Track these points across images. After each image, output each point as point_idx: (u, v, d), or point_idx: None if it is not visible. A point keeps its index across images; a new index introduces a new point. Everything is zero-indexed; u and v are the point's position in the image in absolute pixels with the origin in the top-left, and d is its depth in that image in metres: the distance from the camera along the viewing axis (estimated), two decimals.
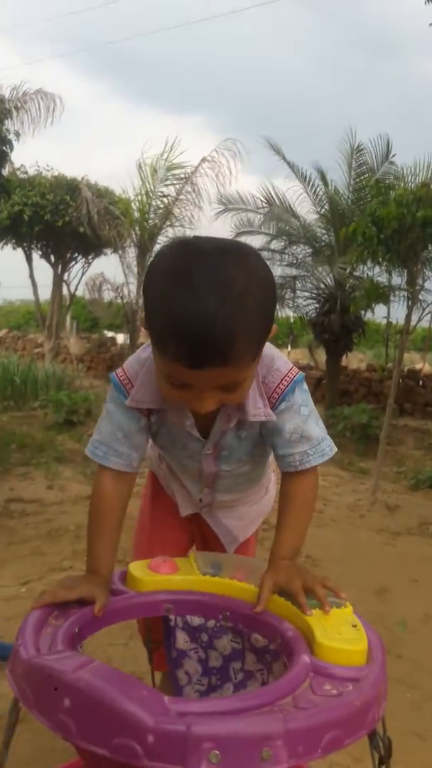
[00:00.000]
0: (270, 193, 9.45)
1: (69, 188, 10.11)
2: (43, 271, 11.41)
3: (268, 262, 1.03)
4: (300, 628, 1.05)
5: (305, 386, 1.13)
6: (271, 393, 1.09)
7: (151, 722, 0.74)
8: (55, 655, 0.87)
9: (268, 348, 1.09)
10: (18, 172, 10.07)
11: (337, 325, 8.40)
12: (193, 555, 1.27)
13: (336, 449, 1.17)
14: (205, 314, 0.84)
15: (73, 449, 5.26)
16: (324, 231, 9.43)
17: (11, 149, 5.88)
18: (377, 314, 9.51)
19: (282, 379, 1.09)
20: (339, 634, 1.00)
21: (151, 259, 8.50)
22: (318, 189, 9.30)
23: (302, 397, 1.12)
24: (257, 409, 1.09)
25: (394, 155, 8.62)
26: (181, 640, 1.20)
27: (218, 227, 9.75)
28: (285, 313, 10.07)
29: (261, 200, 9.38)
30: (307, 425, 1.11)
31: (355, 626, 1.05)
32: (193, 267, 0.87)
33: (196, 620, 1.19)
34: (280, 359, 1.11)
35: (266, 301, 0.95)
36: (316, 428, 1.13)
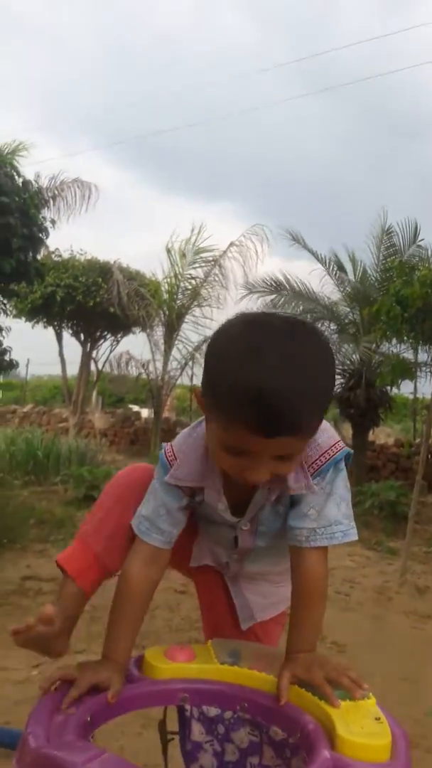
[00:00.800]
0: (281, 280, 9.67)
1: (101, 271, 10.53)
2: (72, 348, 11.76)
3: None
4: (321, 720, 1.01)
5: (342, 465, 1.11)
6: (308, 466, 1.08)
7: None
8: (65, 745, 0.85)
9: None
10: (53, 255, 10.57)
11: (362, 400, 8.38)
12: (211, 643, 1.24)
13: (353, 537, 1.11)
14: (284, 388, 0.88)
15: None
16: (348, 309, 9.60)
17: (47, 236, 6.23)
18: (404, 389, 9.49)
19: (321, 455, 1.09)
20: (361, 727, 0.97)
21: (177, 336, 8.69)
22: (341, 272, 9.56)
23: (332, 475, 1.10)
24: (298, 482, 1.08)
25: (422, 240, 8.83)
26: (197, 731, 1.15)
27: (245, 307, 10.02)
28: None
29: (273, 284, 9.61)
30: (327, 503, 1.09)
31: (378, 719, 1.01)
32: (266, 342, 0.92)
33: (212, 711, 1.15)
34: (325, 433, 1.10)
35: (329, 375, 1.00)
36: (334, 509, 1.09)
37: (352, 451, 1.14)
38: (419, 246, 8.76)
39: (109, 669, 1.07)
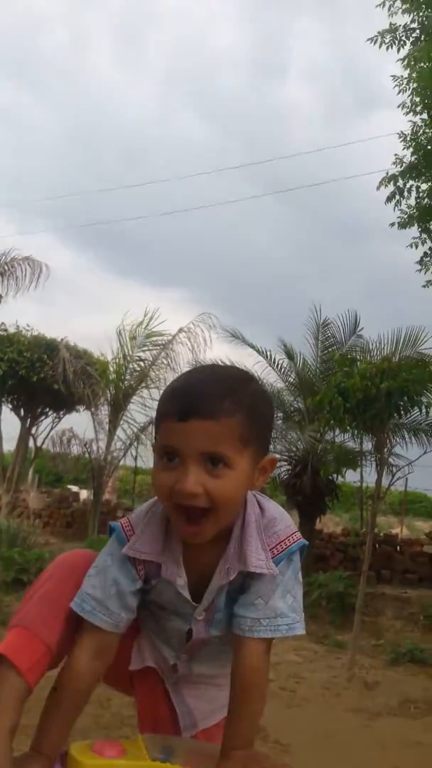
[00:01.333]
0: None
1: (47, 348, 10.47)
2: (10, 423, 11.38)
3: None
4: None
5: (296, 557, 1.09)
6: (280, 541, 1.07)
7: None
8: None
9: (273, 509, 1.11)
10: None
11: (309, 488, 8.36)
12: (142, 737, 1.09)
13: (299, 631, 1.07)
14: (198, 380, 1.05)
15: None
16: (293, 399, 9.78)
17: None
18: (351, 477, 9.60)
19: (277, 544, 1.07)
20: None
21: (122, 415, 8.64)
22: (283, 362, 9.87)
23: (284, 567, 1.07)
24: (259, 560, 1.04)
25: (361, 329, 9.25)
26: None
27: None
28: None
29: None
30: (274, 594, 1.05)
31: None
32: (198, 368, 1.22)
33: None
34: (281, 523, 1.09)
35: (262, 399, 1.08)
36: (280, 601, 1.05)
37: (306, 543, 1.12)
38: (359, 336, 9.14)
39: (37, 763, 0.98)
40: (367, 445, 8.10)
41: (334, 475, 8.49)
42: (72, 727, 1.06)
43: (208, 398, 0.97)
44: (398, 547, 9.31)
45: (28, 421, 11.15)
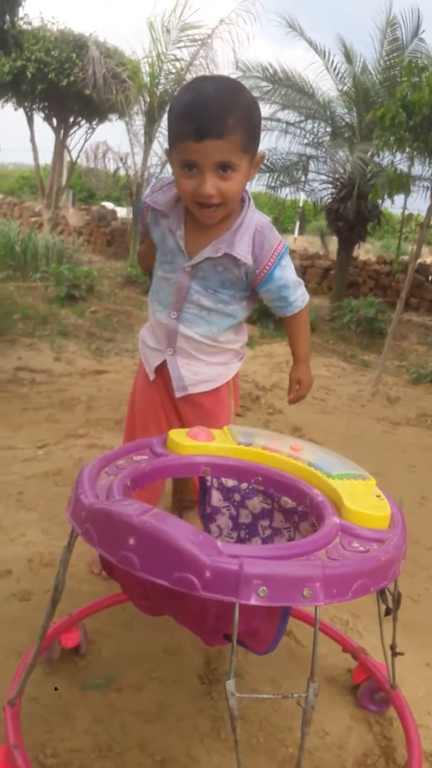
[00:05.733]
0: (276, 68, 8.73)
1: (76, 45, 9.35)
2: (43, 135, 10.75)
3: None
4: (328, 495, 1.14)
5: (285, 257, 1.47)
6: (272, 252, 1.42)
7: (209, 561, 0.84)
8: (116, 502, 0.96)
9: (265, 221, 1.44)
10: (21, 23, 9.26)
11: (352, 213, 8.12)
12: (228, 427, 1.34)
13: (307, 298, 1.57)
14: (207, 98, 1.24)
15: (77, 324, 5.25)
16: (345, 111, 8.88)
17: None
18: (388, 204, 9.16)
19: (279, 244, 1.44)
20: (365, 501, 1.10)
21: (158, 127, 8.11)
22: (340, 66, 8.66)
23: (280, 270, 1.45)
24: (242, 250, 1.39)
25: (423, 31, 7.95)
26: (216, 498, 1.30)
27: None
28: (297, 195, 9.77)
29: (269, 72, 8.69)
30: (288, 286, 1.49)
31: (378, 497, 1.15)
32: (201, 80, 1.42)
33: (230, 482, 1.28)
34: (272, 233, 1.44)
35: (254, 108, 1.30)
36: (293, 289, 1.51)
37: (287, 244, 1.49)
38: (421, 40, 7.90)
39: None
40: (418, 170, 7.62)
41: (380, 201, 8.17)
42: None
43: (217, 120, 1.21)
44: (430, 277, 9.37)
45: (62, 132, 10.52)
